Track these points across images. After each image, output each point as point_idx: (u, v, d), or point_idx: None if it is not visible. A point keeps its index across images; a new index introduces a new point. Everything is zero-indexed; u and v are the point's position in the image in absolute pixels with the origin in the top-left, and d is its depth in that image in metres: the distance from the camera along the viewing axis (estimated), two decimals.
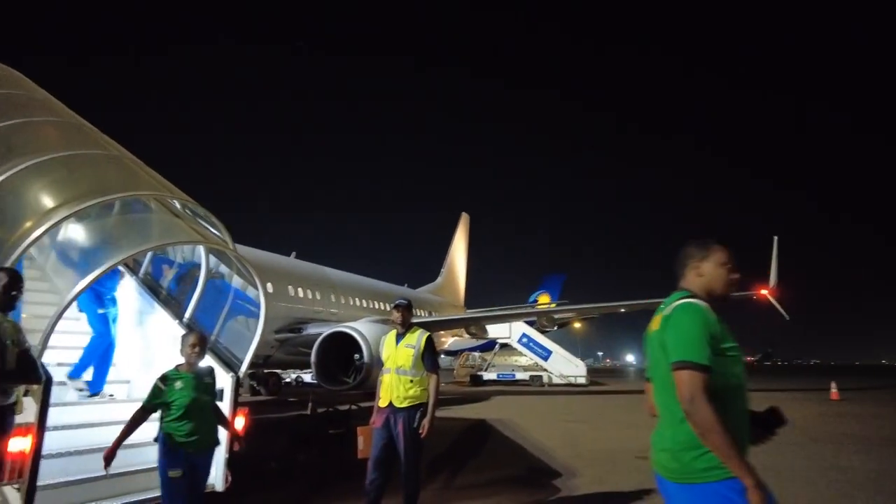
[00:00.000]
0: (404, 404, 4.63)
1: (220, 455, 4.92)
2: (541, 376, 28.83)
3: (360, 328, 12.98)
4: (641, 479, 6.59)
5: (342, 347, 12.89)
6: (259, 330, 5.40)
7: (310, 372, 13.27)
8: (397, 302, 4.99)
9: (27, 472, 3.55)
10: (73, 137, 5.50)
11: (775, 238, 19.20)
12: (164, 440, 3.80)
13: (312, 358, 12.93)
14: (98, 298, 5.47)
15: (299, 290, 16.06)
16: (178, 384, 3.84)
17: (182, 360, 3.99)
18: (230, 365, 5.27)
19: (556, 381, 28.13)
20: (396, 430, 4.63)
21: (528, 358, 29.11)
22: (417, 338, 4.79)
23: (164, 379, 3.87)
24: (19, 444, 3.54)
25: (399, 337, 4.85)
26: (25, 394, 3.59)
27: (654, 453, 2.24)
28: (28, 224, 4.12)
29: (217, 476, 4.90)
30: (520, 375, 30.30)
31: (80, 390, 5.26)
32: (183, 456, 3.76)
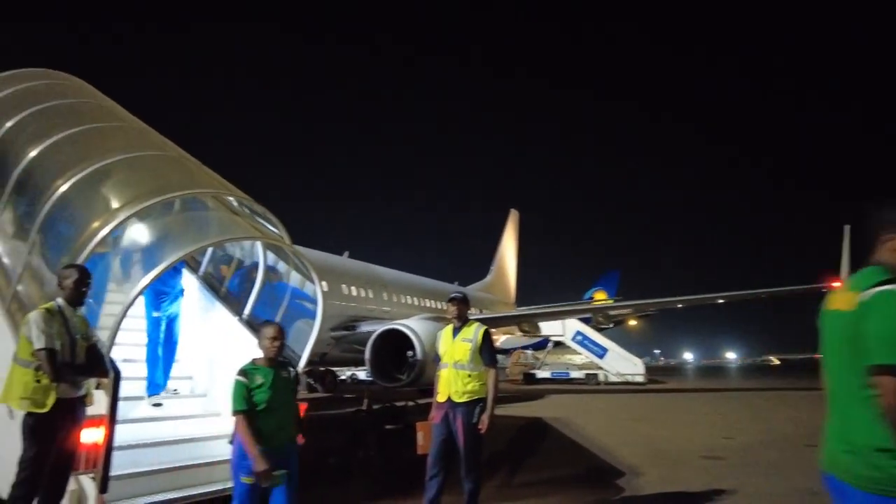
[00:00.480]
0: (462, 399, 4.53)
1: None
2: (596, 375, 28.20)
3: (413, 325, 12.99)
4: (710, 480, 6.28)
5: (395, 345, 12.93)
6: (317, 326, 5.41)
7: (364, 369, 13.37)
8: (452, 295, 4.90)
9: (101, 463, 3.66)
10: (135, 141, 5.68)
11: (846, 227, 18.04)
12: (240, 440, 3.44)
13: (367, 355, 13.03)
14: (154, 301, 5.55)
15: (353, 288, 16.26)
16: (259, 379, 3.52)
17: (256, 354, 3.71)
18: (289, 360, 5.31)
19: (612, 379, 27.45)
20: (455, 426, 4.53)
21: (582, 356, 28.52)
22: (474, 331, 4.68)
23: (245, 375, 3.54)
24: (93, 436, 3.64)
25: (456, 331, 4.76)
26: (97, 387, 3.69)
27: (832, 454, 1.90)
28: (95, 224, 4.25)
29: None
30: (574, 374, 29.72)
31: (157, 405, 5.36)
32: (265, 454, 3.38)
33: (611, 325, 27.61)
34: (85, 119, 5.64)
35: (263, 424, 3.44)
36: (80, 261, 3.93)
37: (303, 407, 5.15)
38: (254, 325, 5.83)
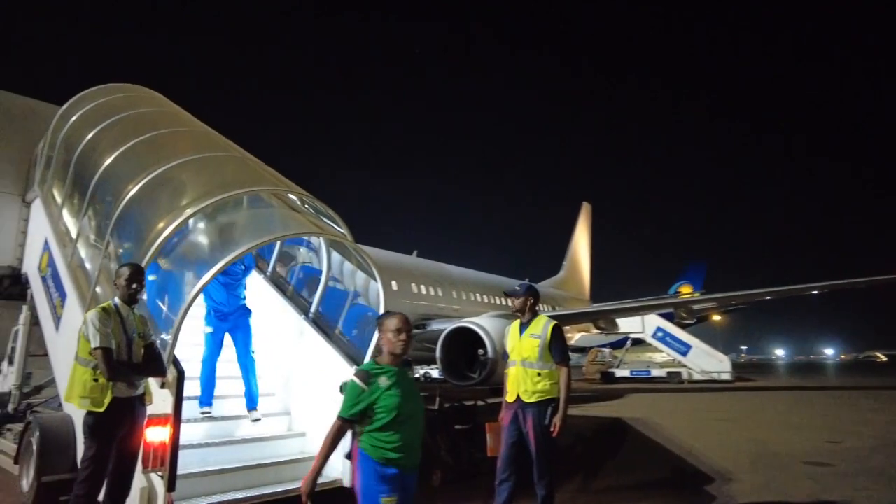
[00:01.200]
0: (532, 399, 4.26)
1: (345, 450, 4.89)
2: (679, 373, 26.85)
3: (483, 323, 12.77)
4: (815, 489, 5.66)
5: (466, 343, 12.74)
6: None
7: (437, 367, 13.25)
8: (511, 290, 4.64)
9: (168, 461, 3.67)
10: (199, 143, 5.81)
11: None
12: (367, 457, 2.80)
13: (437, 353, 12.93)
14: (211, 315, 5.48)
15: (422, 287, 16.26)
16: (384, 381, 2.84)
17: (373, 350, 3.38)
18: (354, 358, 5.24)
19: (696, 377, 26.05)
20: (526, 428, 4.27)
21: (664, 354, 27.25)
22: (543, 327, 4.39)
23: (365, 376, 2.86)
24: (160, 434, 3.66)
25: (523, 326, 4.48)
26: (162, 386, 3.72)
27: None
28: (161, 225, 4.32)
29: (344, 471, 4.86)
30: (655, 372, 28.45)
31: (256, 420, 5.21)
32: (397, 476, 2.77)
33: (694, 321, 26.16)
34: (153, 126, 5.82)
35: (385, 440, 2.77)
36: (144, 261, 3.99)
37: None
38: (320, 323, 5.83)
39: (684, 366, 26.46)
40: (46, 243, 6.22)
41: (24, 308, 7.30)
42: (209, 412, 5.09)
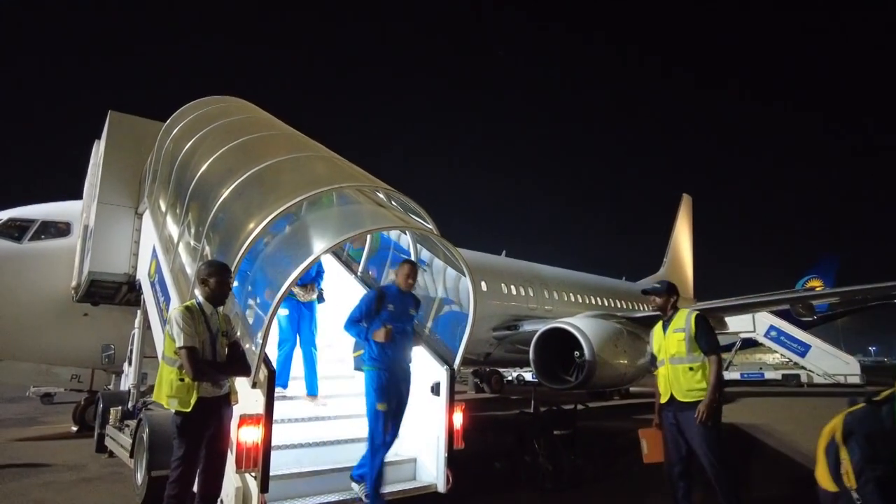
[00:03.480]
0: (689, 398, 4.03)
1: (439, 453, 4.70)
2: (798, 375, 24.59)
3: (579, 324, 12.20)
4: None
5: (561, 344, 12.24)
6: (470, 318, 5.08)
7: (530, 370, 12.85)
8: (651, 289, 4.51)
9: (260, 461, 3.63)
10: (287, 145, 5.89)
11: None
12: None
13: (531, 355, 12.51)
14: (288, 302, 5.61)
15: (512, 287, 15.90)
16: None
17: None
18: (444, 358, 5.05)
19: (817, 380, 23.74)
20: (690, 432, 4.02)
21: (778, 354, 25.07)
22: (686, 319, 4.20)
23: None
24: (252, 435, 3.63)
25: (665, 324, 4.33)
26: (253, 386, 3.69)
27: None
28: (251, 224, 4.34)
29: (438, 476, 4.67)
30: (770, 375, 26.25)
31: (322, 405, 5.36)
32: None
33: (814, 318, 23.79)
34: (244, 133, 5.97)
35: None
36: (235, 260, 4.01)
37: (461, 408, 4.87)
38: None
39: (802, 367, 24.21)
40: (154, 251, 6.57)
41: (139, 312, 7.82)
42: (282, 394, 5.17)
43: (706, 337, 4.12)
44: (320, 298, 6.07)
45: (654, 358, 4.40)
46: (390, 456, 4.98)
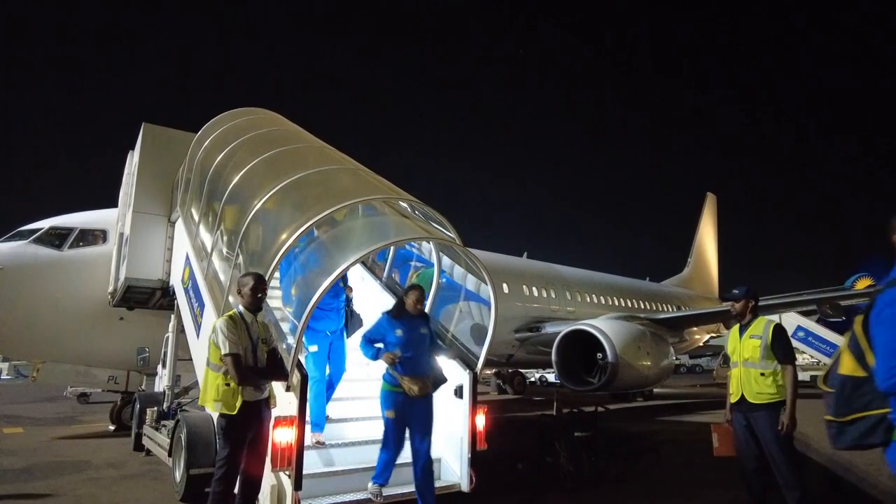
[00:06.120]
0: (758, 400, 4.27)
1: (463, 454, 4.86)
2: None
3: (601, 326, 12.22)
4: None
5: (583, 346, 12.29)
6: (491, 325, 5.25)
7: (553, 371, 12.89)
8: (730, 294, 4.69)
9: (294, 460, 3.85)
10: (315, 158, 6.10)
11: None
12: None
13: (553, 357, 12.56)
14: (313, 332, 5.35)
15: (534, 289, 15.96)
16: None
17: None
18: (467, 362, 5.21)
19: None
20: (761, 432, 4.26)
21: (805, 356, 24.63)
22: (764, 327, 4.41)
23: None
24: (286, 435, 3.85)
25: (742, 328, 4.54)
26: (287, 389, 3.90)
27: None
28: (283, 236, 4.57)
29: (462, 476, 4.84)
30: (799, 376, 25.76)
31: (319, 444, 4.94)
32: None
33: (842, 318, 23.30)
34: (273, 145, 6.20)
35: None
36: (268, 270, 4.23)
37: (484, 409, 5.04)
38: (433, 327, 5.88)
39: None
40: (187, 258, 6.86)
41: (173, 317, 8.14)
42: (321, 441, 4.94)
43: (783, 348, 4.32)
44: (357, 323, 5.83)
45: (727, 358, 4.63)
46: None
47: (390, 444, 4.43)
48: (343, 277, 5.73)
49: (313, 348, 5.28)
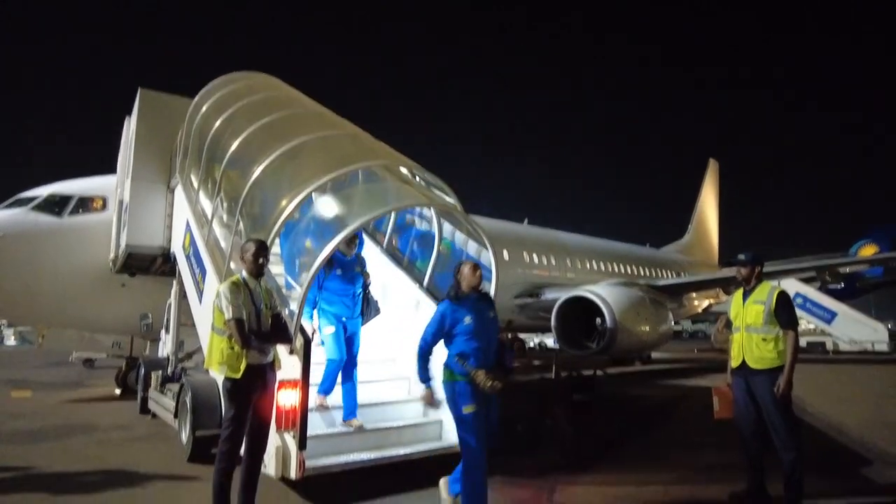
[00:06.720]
0: (759, 365, 4.30)
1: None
2: (822, 343, 24.44)
3: (600, 291, 12.32)
4: None
5: (582, 312, 12.40)
6: (492, 291, 5.27)
7: (552, 336, 13.03)
8: (736, 260, 4.65)
9: (299, 422, 3.94)
10: (315, 123, 6.05)
11: None
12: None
13: (552, 322, 12.69)
14: (330, 314, 5.23)
15: (534, 255, 16.01)
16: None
17: None
18: None
19: (843, 347, 23.57)
20: (760, 396, 4.31)
21: (805, 321, 24.89)
22: (768, 293, 4.39)
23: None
24: (291, 398, 3.93)
25: (746, 294, 4.54)
26: (291, 352, 3.96)
27: None
28: (283, 202, 4.56)
29: None
30: None
31: (359, 428, 4.82)
32: None
33: (840, 285, 23.43)
34: (272, 111, 6.12)
35: None
36: (269, 237, 4.24)
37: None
38: (434, 292, 5.93)
39: (828, 335, 24.04)
40: (188, 225, 6.86)
41: (174, 283, 8.20)
42: (360, 425, 4.80)
43: (787, 314, 4.33)
44: (373, 310, 5.60)
45: (730, 323, 4.64)
46: (418, 418, 5.30)
47: (477, 444, 3.60)
48: (361, 262, 5.54)
49: (329, 329, 5.11)
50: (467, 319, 3.78)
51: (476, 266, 4.00)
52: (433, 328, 3.85)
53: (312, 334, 4.83)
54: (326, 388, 5.05)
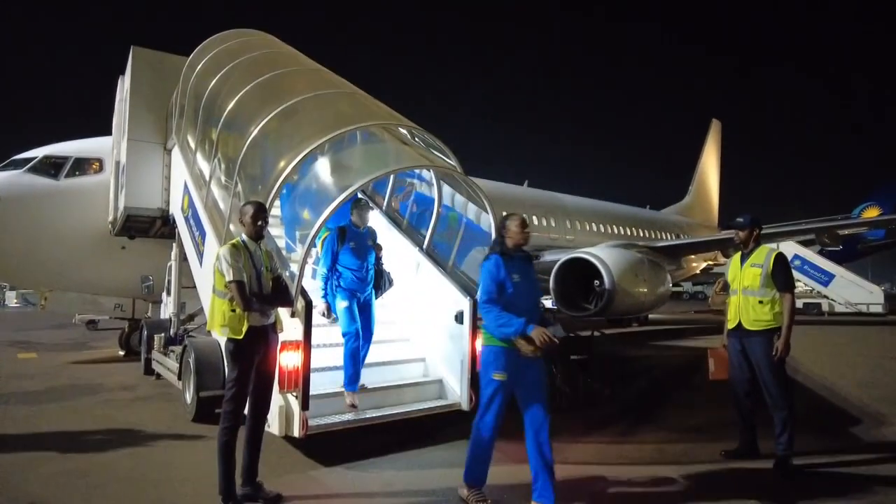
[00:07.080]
0: (755, 327, 4.37)
1: (463, 375, 5.05)
2: (818, 304, 24.62)
3: (599, 253, 12.32)
4: None
5: (581, 273, 12.44)
6: None
7: (550, 298, 13.11)
8: (734, 223, 4.68)
9: (301, 383, 4.00)
10: (312, 82, 5.94)
11: None
12: None
13: (551, 284, 12.73)
14: (343, 288, 5.04)
15: (534, 217, 15.94)
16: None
17: None
18: (467, 289, 5.29)
19: (839, 309, 23.76)
20: (754, 358, 4.41)
21: (802, 283, 25.02)
22: (766, 256, 4.43)
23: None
24: (293, 359, 3.98)
25: (744, 256, 4.58)
26: (292, 315, 3.99)
27: None
28: (282, 163, 4.52)
29: (462, 395, 5.04)
30: None
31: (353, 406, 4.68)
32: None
33: (839, 247, 23.47)
34: (269, 69, 6.01)
35: None
36: (268, 198, 4.21)
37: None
38: (434, 255, 5.95)
39: (825, 297, 24.22)
40: (186, 187, 6.80)
41: (174, 246, 8.20)
42: (355, 403, 4.65)
43: (783, 276, 4.36)
44: (387, 283, 5.43)
45: (727, 285, 4.70)
46: (419, 377, 5.39)
47: (494, 414, 3.51)
48: (373, 235, 5.34)
49: (342, 304, 4.95)
50: (515, 277, 3.49)
51: (524, 222, 3.68)
52: (490, 278, 3.48)
53: (328, 314, 4.86)
54: (350, 378, 4.70)
